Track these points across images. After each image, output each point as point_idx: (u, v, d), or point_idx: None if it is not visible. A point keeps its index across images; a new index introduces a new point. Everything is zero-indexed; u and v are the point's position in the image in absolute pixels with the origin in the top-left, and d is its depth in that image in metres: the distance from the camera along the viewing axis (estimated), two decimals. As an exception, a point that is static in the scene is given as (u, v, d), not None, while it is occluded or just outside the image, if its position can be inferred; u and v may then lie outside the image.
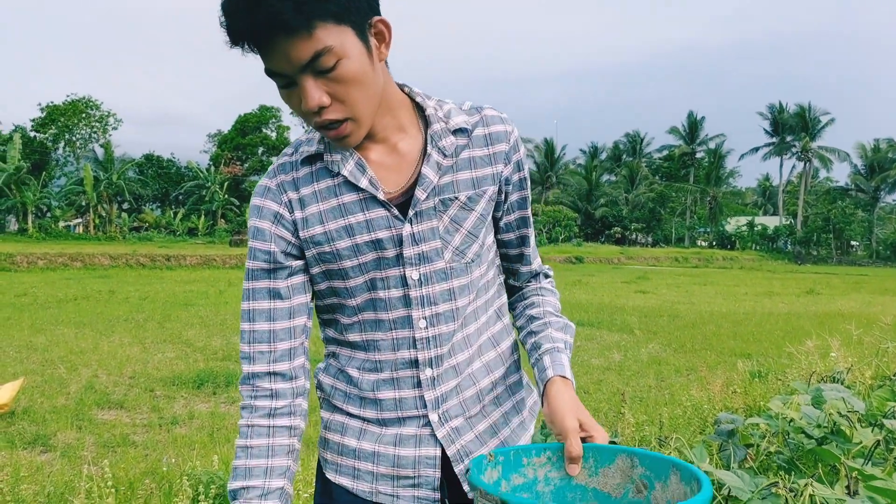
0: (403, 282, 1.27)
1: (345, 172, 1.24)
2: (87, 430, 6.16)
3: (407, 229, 1.25)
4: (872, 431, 2.34)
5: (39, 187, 48.38)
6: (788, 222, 68.60)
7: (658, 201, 70.04)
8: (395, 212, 1.24)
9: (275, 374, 1.29)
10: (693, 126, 75.42)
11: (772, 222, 70.52)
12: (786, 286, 26.53)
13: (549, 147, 75.53)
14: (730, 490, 1.86)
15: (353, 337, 1.34)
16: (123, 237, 46.96)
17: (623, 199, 72.44)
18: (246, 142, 69.49)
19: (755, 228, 68.25)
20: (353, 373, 1.34)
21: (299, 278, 1.31)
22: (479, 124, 1.31)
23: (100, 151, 55.72)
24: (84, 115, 62.20)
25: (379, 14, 1.19)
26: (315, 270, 1.31)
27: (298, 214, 1.28)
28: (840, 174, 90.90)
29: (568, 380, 1.27)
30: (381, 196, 1.24)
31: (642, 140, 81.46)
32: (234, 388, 7.65)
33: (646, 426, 4.49)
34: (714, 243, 70.80)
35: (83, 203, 51.57)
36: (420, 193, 1.24)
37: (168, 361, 9.02)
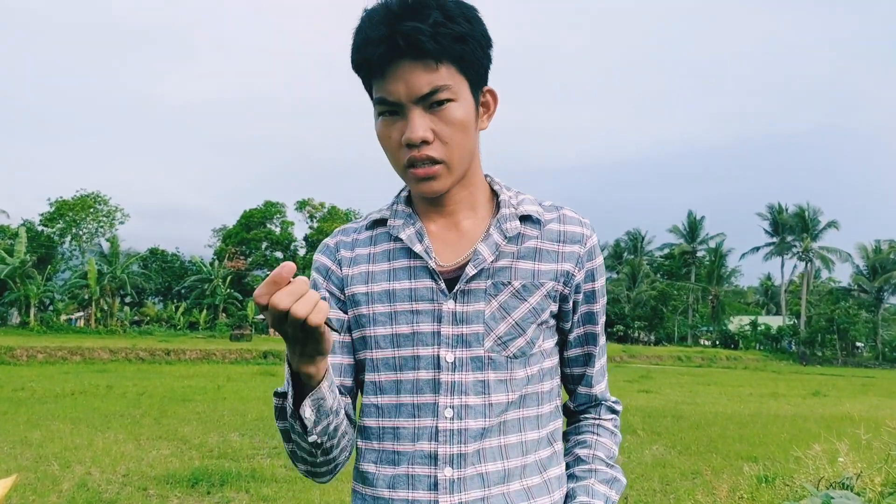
0: (436, 363, 1.17)
1: (402, 237, 1.21)
2: (76, 531, 6.00)
3: (449, 306, 1.17)
4: (884, 541, 2.28)
5: (43, 281, 48.54)
6: (792, 322, 68.31)
7: (660, 299, 69.95)
8: (443, 285, 1.18)
9: None
10: (693, 225, 76.18)
11: (775, 322, 70.20)
12: (791, 387, 26.20)
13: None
14: None
15: (370, 422, 1.23)
16: (124, 331, 46.76)
17: (625, 296, 72.45)
18: (250, 237, 70.24)
19: (758, 328, 67.93)
20: (370, 468, 1.22)
21: (344, 337, 1.27)
22: (555, 220, 1.25)
23: (105, 245, 56.13)
24: (92, 210, 62.96)
25: (489, 86, 1.19)
26: (354, 336, 1.26)
27: (347, 272, 1.26)
28: (842, 274, 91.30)
29: None
30: (431, 265, 1.18)
31: (643, 238, 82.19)
32: (228, 487, 7.49)
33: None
34: (717, 342, 70.35)
35: (85, 296, 51.62)
36: (470, 269, 1.17)
37: (163, 459, 8.84)
